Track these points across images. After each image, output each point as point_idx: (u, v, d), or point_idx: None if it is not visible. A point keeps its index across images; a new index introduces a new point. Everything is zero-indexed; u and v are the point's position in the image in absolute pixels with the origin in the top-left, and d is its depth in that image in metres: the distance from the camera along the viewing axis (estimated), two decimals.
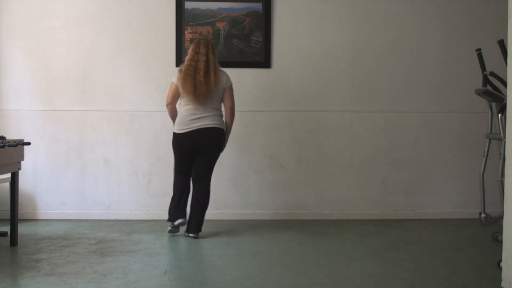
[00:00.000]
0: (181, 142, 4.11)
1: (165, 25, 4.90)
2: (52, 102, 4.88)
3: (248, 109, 4.94)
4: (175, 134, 4.14)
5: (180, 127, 4.09)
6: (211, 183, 4.25)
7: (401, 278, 3.19)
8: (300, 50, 4.97)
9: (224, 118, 4.21)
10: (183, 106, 4.10)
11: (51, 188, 4.89)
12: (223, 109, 4.23)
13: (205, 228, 4.53)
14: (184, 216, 4.18)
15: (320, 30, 4.98)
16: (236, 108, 4.90)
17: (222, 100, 4.17)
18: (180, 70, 4.11)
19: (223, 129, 4.15)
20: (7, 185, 4.11)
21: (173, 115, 4.22)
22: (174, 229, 4.21)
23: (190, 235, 4.16)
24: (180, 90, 4.09)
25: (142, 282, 3.06)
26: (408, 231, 4.49)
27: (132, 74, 4.91)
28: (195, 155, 4.15)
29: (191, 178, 4.24)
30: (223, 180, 4.95)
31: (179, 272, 3.27)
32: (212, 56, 4.06)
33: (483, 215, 4.14)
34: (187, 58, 4.12)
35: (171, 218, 4.21)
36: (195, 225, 4.16)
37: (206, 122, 4.04)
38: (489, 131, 4.25)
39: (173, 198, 4.25)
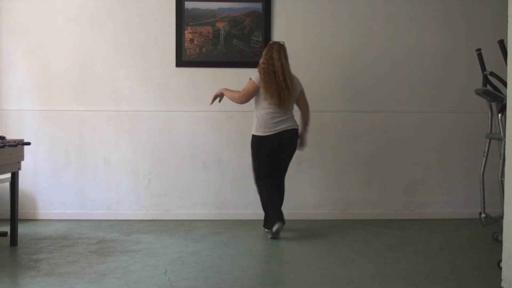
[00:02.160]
0: (266, 144, 4.15)
1: (165, 25, 4.90)
2: (52, 102, 4.88)
3: (248, 109, 4.92)
4: (258, 137, 4.17)
5: (264, 130, 4.13)
6: None
7: (401, 278, 3.19)
8: (300, 50, 4.96)
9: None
10: (264, 109, 4.14)
11: (51, 188, 4.89)
12: None
13: (205, 228, 4.54)
14: (282, 220, 4.14)
15: (320, 30, 4.98)
16: (236, 108, 4.94)
17: (295, 103, 4.28)
18: (260, 73, 4.15)
19: (298, 130, 4.28)
20: (7, 185, 4.11)
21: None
22: (275, 235, 4.16)
23: (278, 225, 4.09)
24: (263, 92, 4.12)
25: (142, 282, 3.06)
26: (408, 231, 4.49)
27: (132, 74, 4.91)
28: (273, 157, 4.21)
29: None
30: (223, 180, 4.95)
31: (179, 272, 3.27)
32: (286, 61, 4.16)
33: (483, 215, 4.14)
34: (262, 61, 4.17)
35: (280, 220, 4.13)
36: (279, 216, 4.14)
37: (288, 124, 4.15)
38: (489, 131, 4.25)
39: (270, 205, 4.19)
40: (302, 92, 4.28)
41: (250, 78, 4.21)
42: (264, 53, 4.22)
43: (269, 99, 4.09)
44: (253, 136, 4.21)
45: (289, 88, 4.10)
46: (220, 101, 4.39)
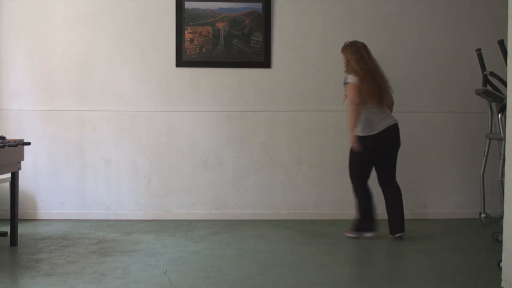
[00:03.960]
0: (372, 143, 4.09)
1: (165, 25, 4.89)
2: (52, 102, 4.88)
3: (248, 109, 4.94)
4: (365, 138, 4.09)
5: (370, 129, 4.09)
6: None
7: (401, 278, 3.19)
8: (300, 50, 4.97)
9: None
10: (365, 109, 4.08)
11: (51, 188, 4.89)
12: None
13: (205, 228, 4.54)
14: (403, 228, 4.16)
15: (320, 30, 4.97)
16: (236, 108, 4.95)
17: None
18: (357, 74, 4.08)
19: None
20: (7, 185, 4.11)
21: (359, 115, 4.10)
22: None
23: (399, 235, 4.11)
24: (364, 93, 4.05)
25: (142, 282, 3.06)
26: (408, 231, 4.48)
27: (132, 74, 4.91)
28: (378, 158, 4.18)
29: (379, 183, 4.25)
30: (223, 180, 4.95)
31: (179, 272, 3.27)
32: (373, 57, 4.16)
33: (483, 215, 4.14)
34: (356, 61, 4.10)
35: (374, 228, 4.17)
36: (401, 224, 4.14)
37: (391, 119, 4.16)
38: (489, 131, 4.26)
39: (371, 208, 4.17)
40: (390, 86, 4.24)
41: (348, 82, 4.09)
42: (353, 53, 4.14)
43: (371, 99, 4.06)
44: (359, 137, 4.10)
45: (386, 85, 4.14)
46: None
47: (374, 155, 4.15)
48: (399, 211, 4.16)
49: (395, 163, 4.26)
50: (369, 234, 4.15)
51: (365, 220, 4.17)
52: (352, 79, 4.10)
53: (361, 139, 4.10)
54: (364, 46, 4.20)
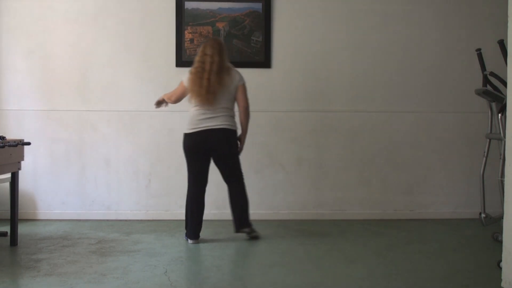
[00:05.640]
0: (191, 143, 3.96)
1: (165, 25, 4.90)
2: (52, 102, 4.88)
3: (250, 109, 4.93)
4: (185, 136, 3.98)
5: (190, 127, 3.96)
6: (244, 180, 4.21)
7: (401, 278, 3.19)
8: (300, 50, 4.97)
9: (237, 119, 4.09)
10: (193, 107, 3.97)
11: (51, 188, 4.89)
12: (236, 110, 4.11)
13: (205, 228, 4.54)
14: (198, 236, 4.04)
15: (320, 30, 4.98)
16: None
17: (235, 100, 4.05)
18: (190, 72, 4.01)
19: (235, 130, 4.03)
20: (7, 185, 4.11)
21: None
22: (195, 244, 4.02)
23: (246, 229, 4.07)
24: (189, 92, 3.98)
25: (142, 282, 3.06)
26: (408, 231, 4.49)
27: (132, 74, 4.91)
28: (211, 159, 4.06)
29: (204, 188, 4.11)
30: (223, 180, 4.94)
31: (179, 272, 3.27)
32: (219, 56, 3.93)
33: (483, 215, 4.14)
34: (196, 59, 4.02)
35: (193, 236, 4.00)
36: (244, 221, 4.07)
37: (217, 122, 3.92)
38: (489, 131, 4.26)
39: (191, 215, 4.01)
40: (240, 87, 4.02)
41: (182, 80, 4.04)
42: (199, 50, 4.02)
43: (194, 98, 3.92)
44: (183, 134, 4.01)
45: (215, 85, 3.88)
46: (166, 105, 4.26)
47: (194, 155, 3.98)
48: (240, 211, 4.07)
49: (231, 166, 4.10)
50: (190, 241, 4.00)
51: (187, 223, 4.04)
52: (184, 76, 4.04)
53: (184, 137, 3.99)
54: (214, 45, 3.97)
